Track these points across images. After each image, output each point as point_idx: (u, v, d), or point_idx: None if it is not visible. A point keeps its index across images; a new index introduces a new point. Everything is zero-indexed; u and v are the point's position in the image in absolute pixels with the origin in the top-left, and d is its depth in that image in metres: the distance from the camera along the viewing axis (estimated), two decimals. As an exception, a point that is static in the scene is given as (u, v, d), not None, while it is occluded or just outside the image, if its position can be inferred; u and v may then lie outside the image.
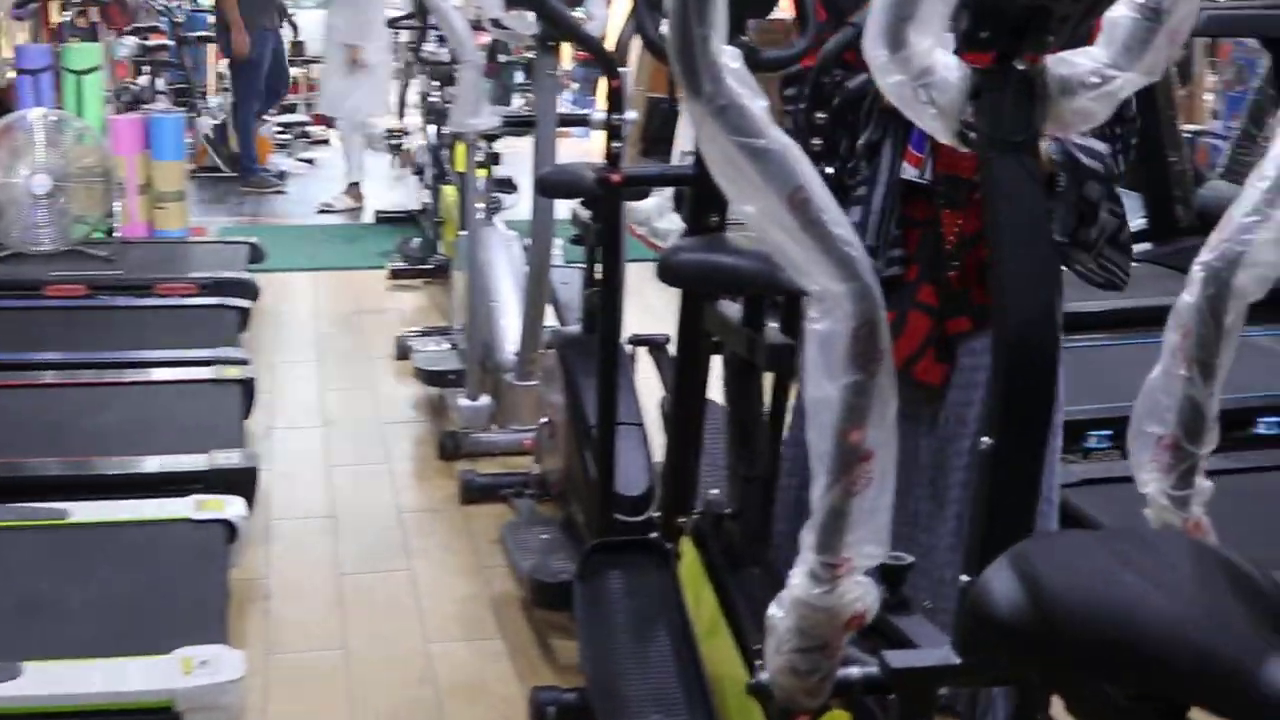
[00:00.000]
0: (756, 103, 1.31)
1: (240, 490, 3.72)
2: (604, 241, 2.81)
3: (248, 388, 4.65)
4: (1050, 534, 1.99)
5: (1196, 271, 1.50)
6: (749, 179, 1.31)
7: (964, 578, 1.51)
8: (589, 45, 2.93)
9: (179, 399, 4.53)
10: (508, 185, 5.59)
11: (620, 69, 3.75)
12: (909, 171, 2.38)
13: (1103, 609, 1.20)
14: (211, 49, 12.17)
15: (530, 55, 4.33)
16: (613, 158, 2.63)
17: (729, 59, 1.31)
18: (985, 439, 1.49)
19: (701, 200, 2.49)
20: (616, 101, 2.70)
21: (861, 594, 1.43)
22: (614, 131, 2.62)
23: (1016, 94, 1.49)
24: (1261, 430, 4.13)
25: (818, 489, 1.40)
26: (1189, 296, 1.50)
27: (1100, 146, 2.29)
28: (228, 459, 3.89)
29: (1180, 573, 1.25)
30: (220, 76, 12.32)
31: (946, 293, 2.38)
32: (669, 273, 2.27)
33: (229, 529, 3.50)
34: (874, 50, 1.44)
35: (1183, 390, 1.52)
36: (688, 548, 2.51)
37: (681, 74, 1.31)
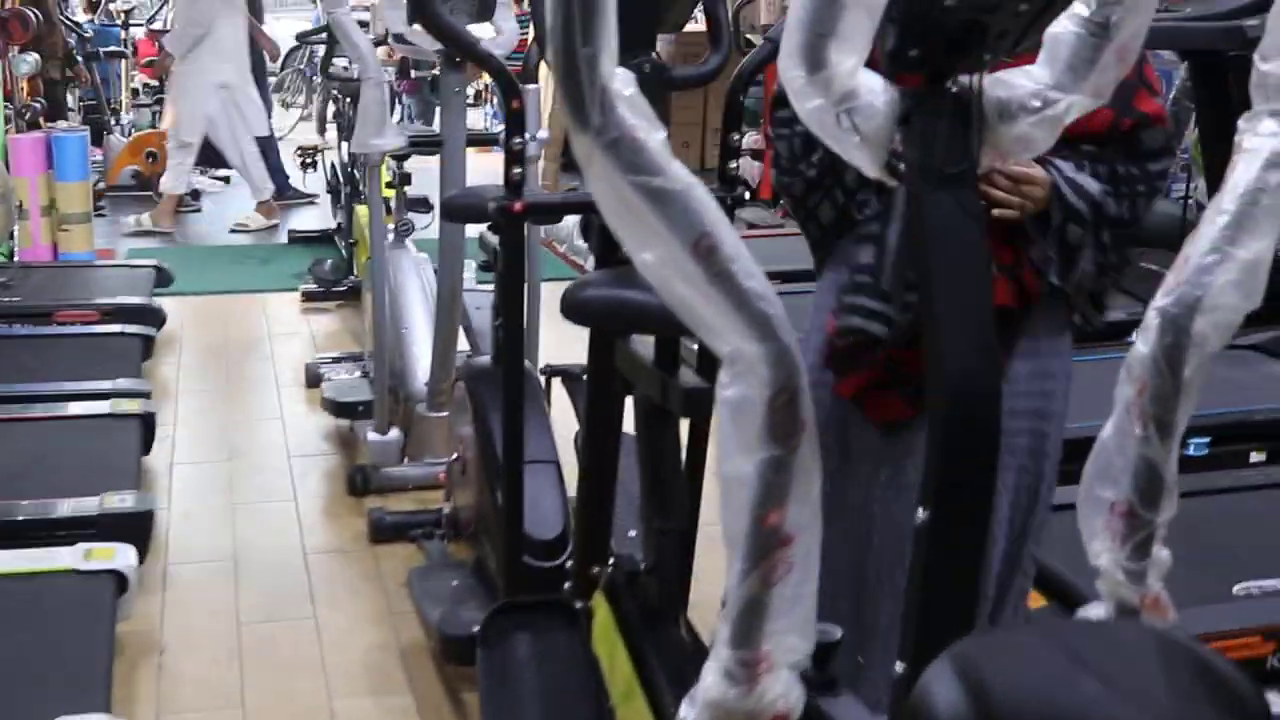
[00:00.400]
0: (654, 135, 1.14)
1: (133, 536, 3.49)
2: (505, 272, 2.62)
3: (147, 422, 4.41)
4: (998, 630, 1.81)
5: (1151, 318, 1.34)
6: (646, 223, 1.14)
7: (899, 665, 1.34)
8: (486, 64, 2.73)
9: (73, 436, 4.28)
10: (422, 205, 5.40)
11: (531, 84, 3.58)
12: None
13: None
14: (125, 64, 11.90)
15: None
16: (514, 184, 2.44)
17: (621, 84, 1.13)
18: (920, 511, 1.32)
19: (610, 230, 2.31)
20: (518, 124, 2.52)
21: (784, 692, 1.26)
22: (515, 156, 2.43)
23: (951, 119, 1.33)
24: (1190, 452, 4.00)
25: (732, 576, 1.23)
26: (1143, 346, 1.34)
27: (1093, 186, 2.09)
28: (121, 502, 3.66)
29: (1144, 673, 1.09)
30: (135, 93, 12.03)
31: None
32: (573, 310, 2.09)
33: (118, 580, 3.27)
34: (790, 71, 1.27)
35: (1138, 450, 1.36)
36: (600, 604, 2.33)
37: (566, 102, 1.13)
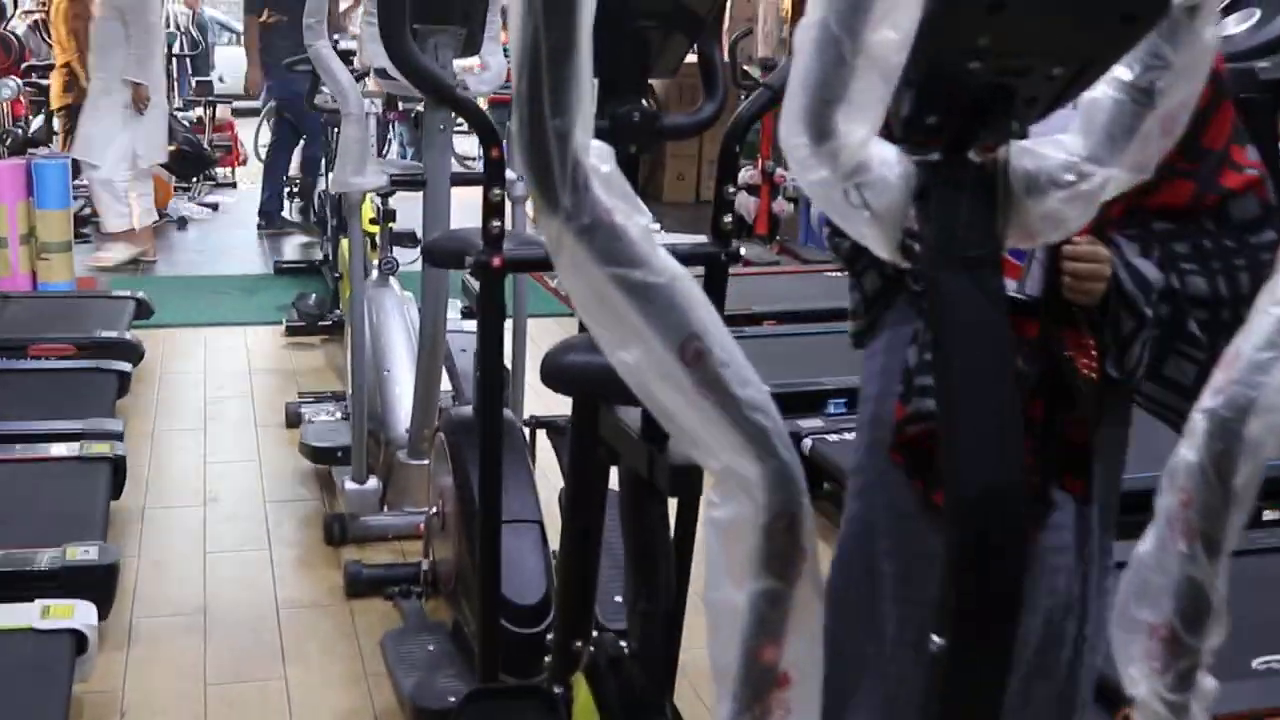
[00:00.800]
0: (635, 219, 0.98)
1: (95, 591, 3.33)
2: (484, 326, 2.46)
3: (117, 466, 4.24)
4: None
5: (1199, 421, 1.18)
6: (625, 321, 0.98)
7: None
8: (462, 110, 2.56)
9: (38, 481, 4.10)
10: (409, 240, 5.24)
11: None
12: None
13: None
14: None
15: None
16: (493, 238, 2.28)
17: (597, 159, 0.98)
18: (935, 637, 1.16)
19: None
20: (498, 174, 2.36)
21: None
22: (494, 209, 2.28)
23: (973, 194, 1.17)
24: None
25: (721, 716, 1.08)
26: (1189, 453, 1.18)
27: (1153, 274, 1.91)
28: (84, 554, 3.49)
29: None
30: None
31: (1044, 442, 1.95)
32: (553, 377, 1.94)
33: (77, 639, 3.11)
34: (792, 139, 1.11)
35: (1181, 569, 1.20)
36: (581, 686, 2.17)
37: (532, 181, 0.97)
